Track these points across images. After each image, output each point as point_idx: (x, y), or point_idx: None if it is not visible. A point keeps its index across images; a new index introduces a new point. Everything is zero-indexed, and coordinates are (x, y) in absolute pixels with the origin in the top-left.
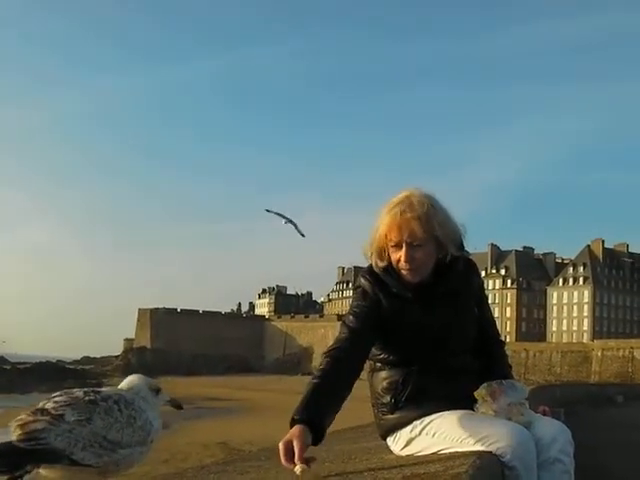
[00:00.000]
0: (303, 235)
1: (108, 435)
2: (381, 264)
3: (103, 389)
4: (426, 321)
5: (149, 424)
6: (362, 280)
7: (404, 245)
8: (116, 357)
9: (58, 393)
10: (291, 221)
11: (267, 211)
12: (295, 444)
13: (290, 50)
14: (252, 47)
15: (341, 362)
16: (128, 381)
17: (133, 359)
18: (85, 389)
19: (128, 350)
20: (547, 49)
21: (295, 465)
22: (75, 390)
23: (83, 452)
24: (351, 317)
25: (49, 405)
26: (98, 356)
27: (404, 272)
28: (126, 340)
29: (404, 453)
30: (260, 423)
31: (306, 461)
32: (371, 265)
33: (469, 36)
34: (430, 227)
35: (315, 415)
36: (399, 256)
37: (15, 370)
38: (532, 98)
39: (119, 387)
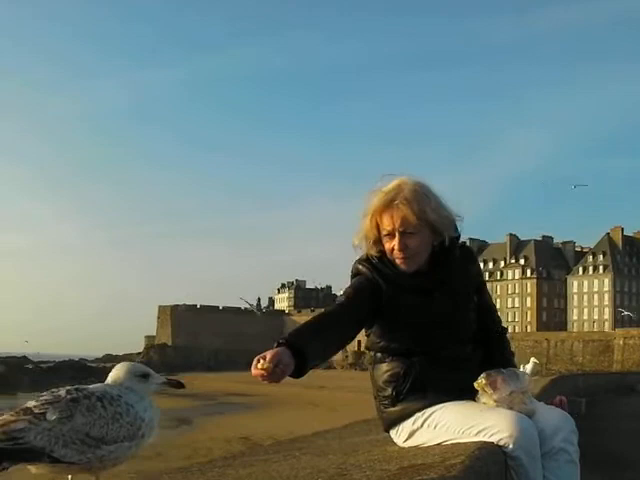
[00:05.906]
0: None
1: (91, 432)
2: (376, 254)
3: (88, 386)
4: (424, 311)
5: (139, 418)
6: (359, 267)
7: (397, 234)
8: (138, 354)
9: (44, 393)
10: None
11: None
12: (267, 353)
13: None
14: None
15: (333, 315)
16: (112, 374)
17: (154, 356)
18: (69, 387)
19: (149, 347)
20: (558, 31)
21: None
22: (60, 389)
23: (64, 449)
24: (349, 289)
25: (32, 404)
26: (120, 354)
27: (399, 261)
28: (147, 337)
29: (407, 445)
30: (282, 417)
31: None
32: (367, 254)
33: (495, 17)
34: (423, 214)
35: (298, 341)
36: (393, 245)
37: (38, 369)
38: (547, 84)
39: (106, 381)
